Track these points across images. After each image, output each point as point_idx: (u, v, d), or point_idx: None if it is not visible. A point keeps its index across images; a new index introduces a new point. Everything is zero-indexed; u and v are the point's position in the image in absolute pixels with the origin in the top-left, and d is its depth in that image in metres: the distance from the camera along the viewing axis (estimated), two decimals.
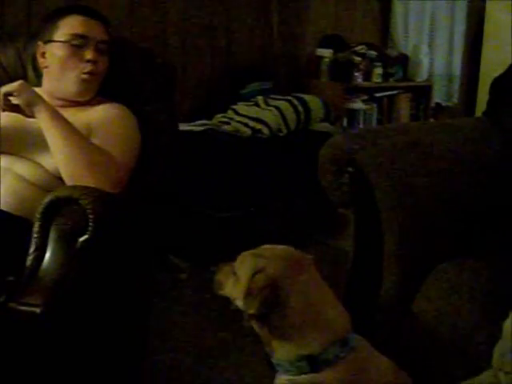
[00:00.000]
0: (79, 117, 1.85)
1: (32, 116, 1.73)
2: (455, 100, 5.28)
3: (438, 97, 5.13)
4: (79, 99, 1.91)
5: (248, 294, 1.23)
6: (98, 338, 1.63)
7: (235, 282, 1.31)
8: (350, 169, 1.72)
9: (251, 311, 1.23)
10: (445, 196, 1.75)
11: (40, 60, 1.96)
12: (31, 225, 1.53)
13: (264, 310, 1.23)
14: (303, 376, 1.23)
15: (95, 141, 1.77)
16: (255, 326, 1.29)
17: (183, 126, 3.24)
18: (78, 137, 1.72)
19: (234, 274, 1.32)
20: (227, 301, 1.36)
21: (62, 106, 1.87)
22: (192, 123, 3.42)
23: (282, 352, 1.26)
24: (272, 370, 1.30)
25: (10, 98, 1.73)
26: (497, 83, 2.32)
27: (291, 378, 1.25)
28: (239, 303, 1.30)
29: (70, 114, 1.82)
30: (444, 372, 1.51)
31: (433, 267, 1.66)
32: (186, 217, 3.05)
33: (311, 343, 1.23)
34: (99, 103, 1.93)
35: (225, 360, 2.28)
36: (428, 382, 1.31)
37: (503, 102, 2.22)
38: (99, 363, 1.66)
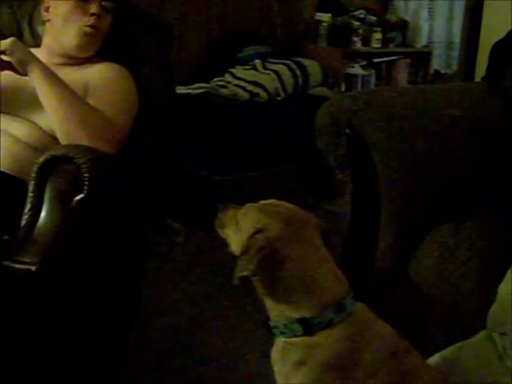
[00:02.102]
0: (76, 76, 1.83)
1: (25, 74, 1.71)
2: (454, 68, 5.23)
3: (436, 64, 5.08)
4: (79, 54, 1.89)
5: (244, 253, 1.23)
6: (93, 298, 1.64)
7: (236, 231, 1.30)
8: (348, 131, 1.71)
9: (245, 272, 1.22)
10: (444, 158, 1.73)
11: (43, 14, 1.94)
12: (27, 185, 1.52)
13: (258, 270, 1.23)
14: (299, 338, 1.22)
15: (91, 101, 1.75)
16: (255, 282, 1.27)
17: (180, 89, 3.21)
18: (73, 96, 1.70)
19: (237, 222, 1.31)
20: (224, 260, 1.36)
21: (59, 64, 1.85)
22: (189, 86, 3.39)
23: (275, 313, 1.26)
24: (270, 333, 1.29)
25: (2, 57, 1.71)
26: (497, 48, 2.29)
27: (288, 340, 1.24)
28: (235, 252, 1.29)
29: (67, 74, 1.79)
30: (439, 334, 1.52)
31: (430, 231, 1.66)
32: (183, 180, 3.04)
33: (305, 306, 1.22)
34: (97, 63, 1.91)
35: (222, 323, 2.29)
36: (423, 345, 1.30)
37: (503, 66, 2.19)
38: (94, 321, 1.66)
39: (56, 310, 1.50)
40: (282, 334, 1.25)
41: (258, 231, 1.24)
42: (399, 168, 1.65)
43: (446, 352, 1.41)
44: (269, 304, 1.27)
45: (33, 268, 1.40)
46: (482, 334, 1.39)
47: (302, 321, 1.22)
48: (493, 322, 1.38)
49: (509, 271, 1.41)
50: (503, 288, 1.40)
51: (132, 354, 1.98)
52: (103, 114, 1.72)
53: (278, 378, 1.28)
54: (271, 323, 1.28)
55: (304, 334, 1.22)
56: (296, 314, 1.23)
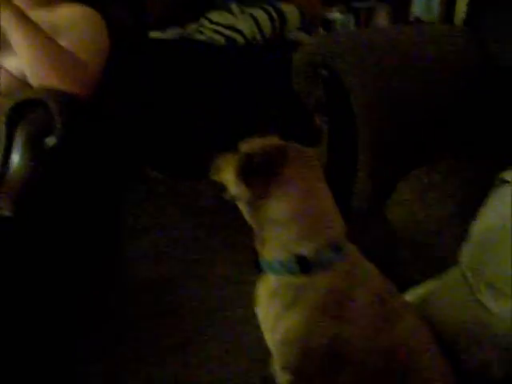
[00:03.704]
0: (46, 18, 1.78)
1: None
2: (435, 13, 5.17)
3: (417, 11, 5.02)
4: None
5: (240, 173, 1.19)
6: (69, 244, 1.63)
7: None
8: (324, 72, 1.69)
9: (244, 194, 1.20)
10: (419, 99, 1.73)
11: None
12: None
13: (257, 192, 1.19)
14: (294, 277, 1.19)
15: (62, 42, 1.71)
16: (248, 216, 1.25)
17: (154, 34, 3.15)
18: (43, 37, 1.66)
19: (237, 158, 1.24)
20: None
21: (29, 6, 1.80)
22: (163, 31, 3.32)
23: (272, 249, 1.21)
24: (259, 271, 1.25)
25: None
26: None
27: (281, 278, 1.20)
28: (232, 188, 1.24)
29: (37, 15, 1.75)
30: (412, 272, 1.54)
31: (405, 172, 1.66)
32: (161, 127, 3.01)
33: (304, 243, 1.18)
34: (67, 5, 1.87)
35: (210, 271, 2.28)
36: (396, 282, 1.32)
37: (483, 11, 2.17)
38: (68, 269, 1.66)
39: (33, 253, 1.49)
40: (275, 272, 1.22)
41: (261, 149, 1.20)
42: (375, 108, 1.64)
43: (419, 288, 1.43)
44: (266, 239, 1.23)
45: (6, 213, 1.39)
46: (454, 271, 1.41)
47: (300, 259, 1.19)
48: (465, 258, 1.40)
49: (481, 209, 1.43)
50: (476, 226, 1.42)
51: (112, 299, 1.99)
52: (74, 55, 1.68)
53: (267, 320, 1.25)
54: (264, 260, 1.24)
55: (301, 274, 1.19)
56: (294, 250, 1.19)
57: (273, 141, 1.26)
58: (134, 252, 2.32)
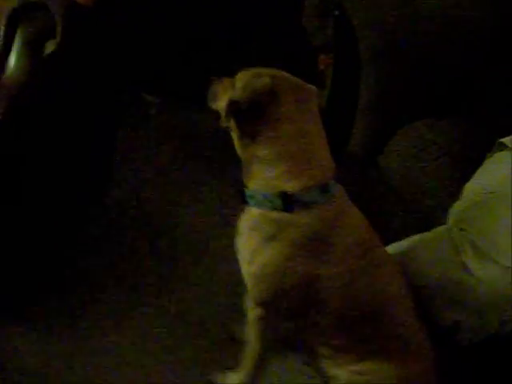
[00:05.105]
0: None
1: None
2: None
3: None
4: None
5: (228, 114, 1.17)
6: (62, 162, 1.60)
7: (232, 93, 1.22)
8: (336, 12, 1.65)
9: (234, 130, 1.18)
10: (427, 58, 1.68)
11: None
12: None
13: (245, 130, 1.19)
14: (276, 212, 1.19)
15: None
16: (238, 149, 1.24)
17: None
18: None
19: (233, 87, 1.23)
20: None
21: None
22: None
23: (258, 183, 1.21)
24: (243, 202, 1.25)
25: None
26: None
27: (263, 211, 1.20)
28: (223, 121, 1.22)
29: None
30: (400, 225, 1.54)
31: (405, 123, 1.64)
32: (160, 47, 2.93)
33: (289, 181, 1.18)
34: None
35: (196, 199, 2.27)
36: (382, 233, 1.31)
37: None
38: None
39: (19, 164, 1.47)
40: (259, 205, 1.21)
41: (249, 91, 1.18)
42: (381, 54, 1.61)
43: (404, 242, 1.43)
44: (253, 172, 1.22)
45: None
46: (441, 229, 1.41)
47: (283, 195, 1.18)
48: (454, 217, 1.40)
49: (477, 171, 1.42)
50: (469, 186, 1.41)
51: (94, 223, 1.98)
52: None
53: (244, 251, 1.25)
54: (249, 192, 1.23)
55: (283, 210, 1.18)
56: (280, 186, 1.18)
57: (271, 73, 1.22)
58: (120, 175, 2.30)
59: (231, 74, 1.28)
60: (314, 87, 1.25)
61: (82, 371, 1.43)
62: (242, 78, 1.23)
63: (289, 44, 3.19)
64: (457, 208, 1.40)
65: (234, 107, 1.18)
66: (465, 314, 1.31)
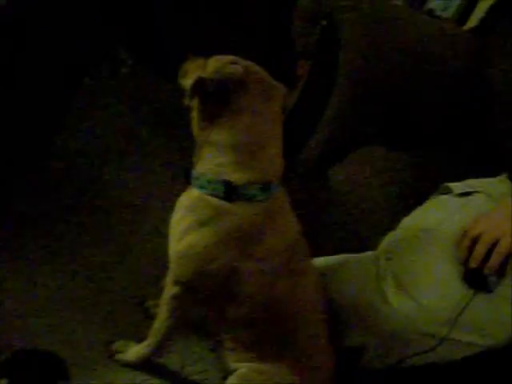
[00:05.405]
0: None
1: None
2: (451, 11, 5.12)
3: (433, 4, 4.97)
4: None
5: (192, 93, 1.17)
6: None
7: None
8: (324, 22, 1.67)
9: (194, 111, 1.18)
10: (406, 83, 1.71)
11: None
12: None
13: (206, 113, 1.20)
14: (215, 199, 1.20)
15: None
16: (194, 129, 1.24)
17: None
18: None
19: (204, 68, 1.23)
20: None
21: None
22: None
23: (205, 167, 1.22)
24: (187, 181, 1.25)
25: None
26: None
27: (203, 195, 1.21)
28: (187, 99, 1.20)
29: None
30: (334, 238, 1.56)
31: (365, 144, 1.66)
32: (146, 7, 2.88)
33: (235, 172, 1.19)
34: None
35: (144, 167, 2.25)
36: (318, 245, 1.33)
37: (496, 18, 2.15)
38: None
39: None
40: (201, 188, 1.22)
41: (219, 75, 1.18)
42: (359, 72, 1.63)
43: (332, 259, 1.46)
44: (204, 155, 1.23)
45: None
46: (370, 254, 1.44)
47: (226, 184, 1.19)
48: (384, 246, 1.43)
49: (418, 207, 1.45)
50: (406, 220, 1.44)
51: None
52: None
53: (175, 228, 1.26)
54: (195, 172, 1.24)
55: (222, 198, 1.20)
56: (224, 175, 1.20)
57: (246, 64, 1.23)
58: (73, 128, 2.26)
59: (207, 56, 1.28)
60: (283, 87, 1.26)
61: None
62: (216, 61, 1.24)
63: (273, 41, 3.20)
64: (389, 238, 1.43)
65: (200, 85, 1.18)
66: (373, 338, 1.34)
